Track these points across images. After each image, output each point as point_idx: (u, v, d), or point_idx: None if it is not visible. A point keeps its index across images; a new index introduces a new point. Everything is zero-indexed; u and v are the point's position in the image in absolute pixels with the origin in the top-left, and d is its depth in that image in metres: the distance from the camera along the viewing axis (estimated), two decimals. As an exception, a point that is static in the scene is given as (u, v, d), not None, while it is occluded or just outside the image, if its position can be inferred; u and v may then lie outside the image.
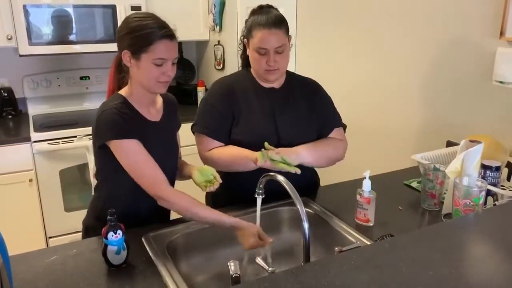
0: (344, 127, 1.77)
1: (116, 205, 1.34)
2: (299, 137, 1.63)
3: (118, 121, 1.37)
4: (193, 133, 1.67)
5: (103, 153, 1.41)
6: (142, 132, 1.41)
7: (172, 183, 1.56)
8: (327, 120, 1.70)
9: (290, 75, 1.72)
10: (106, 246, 1.19)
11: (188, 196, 1.38)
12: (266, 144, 1.53)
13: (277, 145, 1.56)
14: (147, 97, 1.45)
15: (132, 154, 1.38)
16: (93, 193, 1.59)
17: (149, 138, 1.43)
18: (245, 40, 1.62)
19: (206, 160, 1.63)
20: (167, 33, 1.37)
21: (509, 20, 1.66)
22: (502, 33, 1.68)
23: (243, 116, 1.62)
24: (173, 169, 1.57)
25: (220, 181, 1.49)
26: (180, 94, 3.12)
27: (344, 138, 1.74)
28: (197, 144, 1.66)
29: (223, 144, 1.62)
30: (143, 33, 1.35)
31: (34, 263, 1.23)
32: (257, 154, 1.50)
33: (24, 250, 1.29)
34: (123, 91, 1.46)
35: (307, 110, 1.67)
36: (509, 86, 1.69)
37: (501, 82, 1.71)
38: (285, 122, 1.63)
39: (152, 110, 1.49)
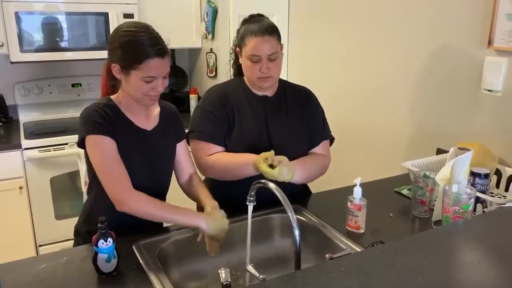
0: (332, 139, 1.77)
1: (103, 209, 1.34)
2: (291, 145, 1.63)
3: (95, 117, 1.36)
4: (188, 141, 1.66)
5: (87, 152, 1.40)
6: (125, 136, 1.40)
7: (162, 196, 1.56)
8: (315, 131, 1.71)
9: (283, 83, 1.73)
10: (96, 254, 1.18)
11: (148, 200, 1.35)
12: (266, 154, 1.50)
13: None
14: (137, 106, 1.44)
15: (102, 151, 1.36)
16: (84, 198, 1.59)
17: (132, 143, 1.42)
18: (237, 49, 1.63)
19: (204, 167, 1.61)
20: (159, 51, 1.33)
21: (496, 29, 1.68)
22: (490, 42, 1.71)
23: (236, 124, 1.62)
24: (163, 180, 1.55)
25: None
26: (173, 102, 3.08)
27: (328, 153, 1.74)
28: (195, 151, 1.63)
29: (222, 148, 1.62)
30: (133, 50, 1.32)
31: (24, 271, 1.22)
32: (255, 157, 1.50)
33: (14, 258, 1.28)
34: (114, 96, 1.46)
35: (298, 118, 1.68)
36: (497, 94, 1.72)
37: (489, 90, 1.74)
38: (277, 130, 1.63)
39: (144, 118, 1.48)
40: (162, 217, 1.39)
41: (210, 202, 1.46)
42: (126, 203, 1.32)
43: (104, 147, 1.36)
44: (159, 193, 1.54)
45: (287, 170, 1.47)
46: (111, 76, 1.44)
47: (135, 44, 1.32)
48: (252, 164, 1.50)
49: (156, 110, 1.53)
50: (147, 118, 1.49)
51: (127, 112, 1.44)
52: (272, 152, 1.50)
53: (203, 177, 1.71)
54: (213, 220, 1.36)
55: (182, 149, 1.58)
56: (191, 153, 1.64)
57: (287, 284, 0.85)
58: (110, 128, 1.37)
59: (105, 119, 1.37)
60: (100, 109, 1.38)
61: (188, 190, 1.59)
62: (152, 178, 1.48)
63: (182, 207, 1.40)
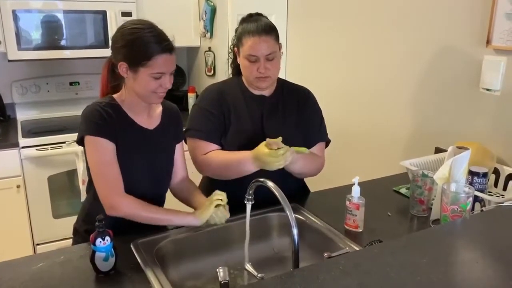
0: (328, 142, 1.76)
1: (102, 207, 1.34)
2: (286, 145, 1.63)
3: (95, 117, 1.36)
4: (184, 140, 1.65)
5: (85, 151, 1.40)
6: (126, 135, 1.40)
7: (161, 195, 1.56)
8: (312, 132, 1.70)
9: (282, 83, 1.73)
10: (94, 252, 1.18)
11: (137, 202, 1.35)
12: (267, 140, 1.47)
13: None
14: (141, 105, 1.44)
15: (98, 154, 1.35)
16: (83, 198, 1.58)
17: (134, 143, 1.42)
18: (235, 48, 1.62)
19: (201, 165, 1.61)
20: (167, 47, 1.34)
21: (495, 28, 1.68)
22: (488, 42, 1.71)
23: (232, 123, 1.62)
24: (163, 180, 1.54)
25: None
26: (171, 100, 3.06)
27: (322, 155, 1.73)
28: (192, 149, 1.62)
29: (219, 147, 1.61)
30: (142, 47, 1.32)
31: (21, 270, 1.21)
32: (251, 154, 1.48)
33: (11, 257, 1.27)
34: (116, 95, 1.45)
35: (295, 118, 1.68)
36: (495, 94, 1.72)
37: (488, 89, 1.74)
38: (272, 130, 1.63)
39: (146, 117, 1.47)
40: (152, 217, 1.36)
41: (205, 201, 1.45)
42: (115, 208, 1.34)
43: (101, 150, 1.35)
44: (158, 193, 1.54)
45: (290, 155, 1.45)
46: (112, 76, 1.44)
47: (143, 41, 1.32)
48: (251, 157, 1.47)
49: (158, 109, 1.52)
50: (150, 118, 1.48)
51: (129, 111, 1.43)
52: (280, 138, 1.47)
53: (200, 176, 1.71)
54: (202, 212, 1.38)
55: (179, 151, 1.58)
56: (188, 151, 1.64)
57: (285, 283, 0.85)
58: (110, 129, 1.36)
59: (105, 120, 1.36)
60: (102, 108, 1.37)
61: (180, 193, 1.58)
62: (152, 177, 1.48)
63: (171, 209, 1.40)
